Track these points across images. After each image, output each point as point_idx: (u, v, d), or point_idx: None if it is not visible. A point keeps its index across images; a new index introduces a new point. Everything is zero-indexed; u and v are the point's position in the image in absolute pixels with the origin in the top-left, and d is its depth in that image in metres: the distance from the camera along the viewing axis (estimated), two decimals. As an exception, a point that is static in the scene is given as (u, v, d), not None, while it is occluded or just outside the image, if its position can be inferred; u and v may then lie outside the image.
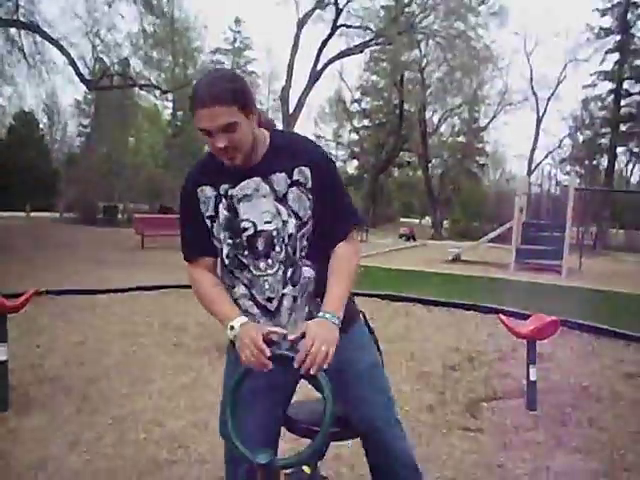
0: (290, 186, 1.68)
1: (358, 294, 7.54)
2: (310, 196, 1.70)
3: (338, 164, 35.94)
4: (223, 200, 1.71)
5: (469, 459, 2.98)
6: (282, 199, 1.68)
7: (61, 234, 17.53)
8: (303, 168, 1.69)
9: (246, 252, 1.70)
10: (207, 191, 1.73)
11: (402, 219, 40.60)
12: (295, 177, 1.69)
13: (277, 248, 1.68)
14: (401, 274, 10.97)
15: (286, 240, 1.68)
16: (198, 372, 4.30)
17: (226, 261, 1.74)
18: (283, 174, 1.68)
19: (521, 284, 10.09)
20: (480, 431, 3.35)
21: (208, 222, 1.74)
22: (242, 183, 1.69)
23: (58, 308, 6.21)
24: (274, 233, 1.68)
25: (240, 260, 1.71)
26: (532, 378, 3.66)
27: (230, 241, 1.71)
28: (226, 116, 1.54)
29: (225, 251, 1.73)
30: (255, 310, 1.74)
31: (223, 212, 1.71)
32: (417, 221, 46.43)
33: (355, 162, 43.38)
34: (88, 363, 4.35)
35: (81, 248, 13.40)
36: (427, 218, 44.41)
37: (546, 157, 38.29)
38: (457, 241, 24.26)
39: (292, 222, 1.68)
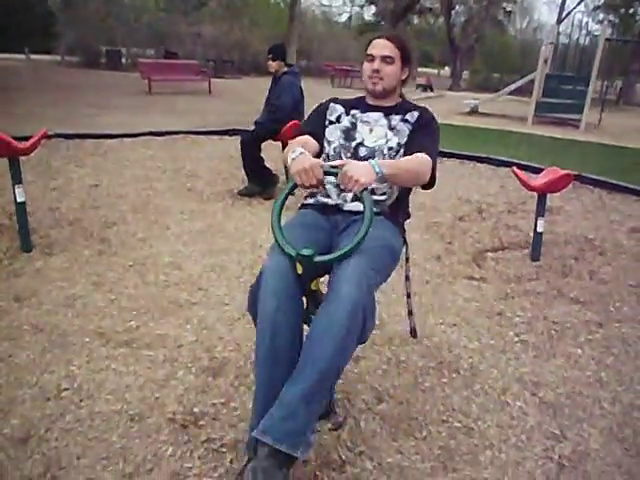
0: (400, 121, 2.23)
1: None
2: (410, 130, 2.21)
3: (355, 9, 33.95)
4: (349, 116, 2.28)
5: (471, 307, 3.14)
6: (392, 129, 2.22)
7: (64, 77, 17.00)
8: (414, 112, 2.25)
9: (349, 154, 2.20)
10: (338, 107, 2.32)
11: (420, 69, 38.85)
12: (406, 117, 2.23)
13: (375, 157, 2.13)
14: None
15: (384, 152, 2.17)
16: (212, 217, 4.40)
17: (331, 154, 2.23)
18: (400, 116, 2.24)
19: (538, 138, 9.90)
20: (484, 280, 3.49)
21: (327, 124, 2.28)
22: (369, 113, 2.26)
23: (70, 152, 6.21)
24: (376, 148, 2.18)
25: (341, 157, 2.19)
26: (539, 230, 3.73)
27: (342, 142, 2.23)
28: (389, 51, 2.17)
29: (332, 146, 2.24)
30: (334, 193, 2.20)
31: (345, 121, 2.27)
32: (436, 72, 44.48)
33: (373, 8, 40.60)
34: (104, 207, 4.45)
35: (86, 91, 13.06)
36: (446, 68, 42.47)
37: (579, 4, 35.62)
38: (476, 93, 23.42)
39: (393, 141, 2.19)
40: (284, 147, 5.13)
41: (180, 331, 2.72)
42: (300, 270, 1.80)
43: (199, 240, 3.92)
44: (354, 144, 2.21)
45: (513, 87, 14.62)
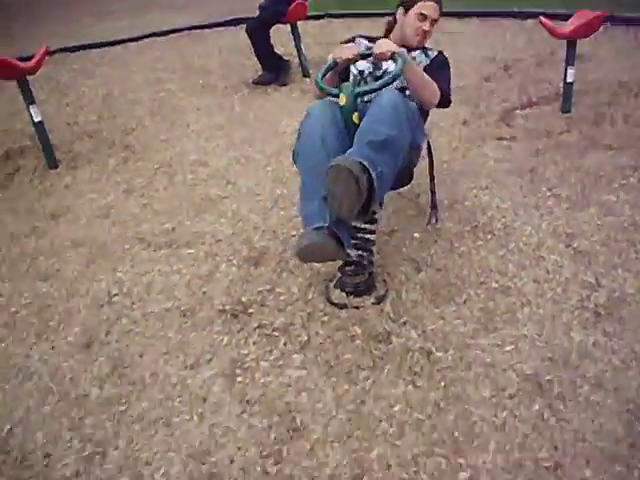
0: (421, 53, 2.48)
1: (385, 14, 6.99)
2: (427, 63, 2.46)
3: None
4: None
5: (502, 167, 3.08)
6: (413, 59, 2.38)
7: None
8: (434, 52, 2.51)
9: (377, 73, 2.43)
10: (364, 43, 2.50)
11: None
12: (427, 52, 2.50)
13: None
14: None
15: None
16: (230, 110, 4.33)
17: (358, 77, 2.45)
18: (420, 51, 2.49)
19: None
20: (513, 139, 3.40)
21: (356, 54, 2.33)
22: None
23: (76, 65, 6.06)
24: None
25: (366, 82, 2.44)
26: (569, 80, 3.55)
27: (370, 70, 2.45)
28: (438, 15, 2.45)
29: (359, 70, 2.46)
30: None
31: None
32: None
33: None
34: (121, 115, 4.40)
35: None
36: None
37: None
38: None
39: None
40: (293, 29, 4.90)
41: (216, 226, 2.77)
42: (344, 100, 2.06)
43: (220, 134, 3.88)
44: (380, 72, 2.42)
45: None
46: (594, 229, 2.48)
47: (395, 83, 2.22)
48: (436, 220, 2.59)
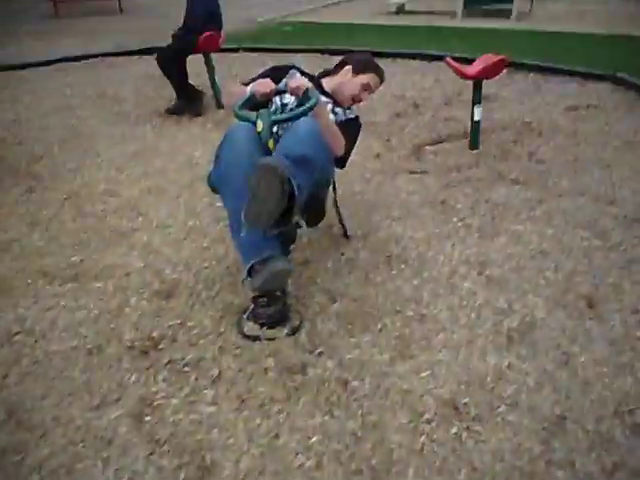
0: (341, 111, 2.57)
1: (297, 50, 7.18)
2: (341, 120, 2.54)
3: None
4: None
5: (414, 199, 3.18)
6: (334, 114, 2.53)
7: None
8: (351, 116, 2.61)
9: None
10: (298, 77, 2.51)
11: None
12: (346, 113, 2.59)
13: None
14: (340, 28, 10.34)
15: None
16: (143, 139, 4.24)
17: (278, 105, 2.47)
18: (341, 110, 2.57)
19: (469, 31, 9.73)
20: (425, 173, 3.52)
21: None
22: (322, 97, 2.40)
23: (-21, 87, 5.77)
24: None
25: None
26: (476, 118, 3.74)
27: (292, 106, 2.43)
28: (377, 88, 2.67)
29: (283, 102, 2.46)
30: None
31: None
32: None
33: None
34: (27, 141, 4.20)
35: (-11, 19, 11.98)
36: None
37: None
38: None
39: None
40: (207, 60, 4.90)
41: (126, 259, 2.66)
42: (260, 127, 2.14)
43: (133, 164, 3.78)
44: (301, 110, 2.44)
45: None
46: (505, 257, 2.59)
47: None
48: (345, 233, 2.70)
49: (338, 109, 2.55)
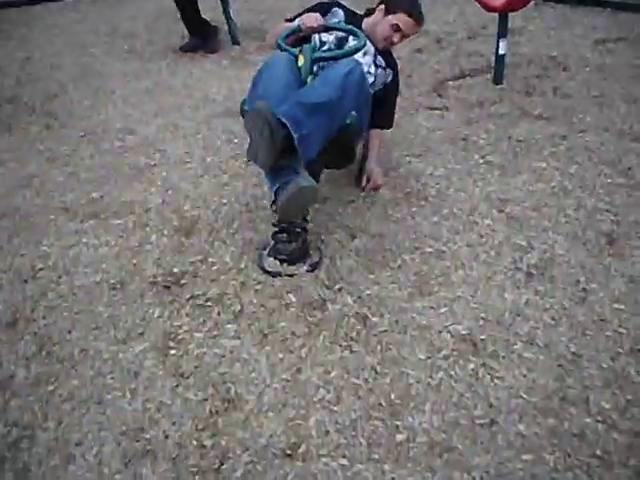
0: (381, 69, 2.55)
1: None
2: (381, 88, 2.58)
3: None
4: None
5: (435, 136, 3.11)
6: (377, 66, 2.53)
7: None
8: (390, 74, 2.61)
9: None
10: (340, 14, 2.52)
11: None
12: (387, 72, 2.58)
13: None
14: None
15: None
16: (157, 76, 4.16)
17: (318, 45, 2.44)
18: (384, 64, 2.56)
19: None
20: (446, 109, 3.43)
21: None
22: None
23: (-8, 25, 5.67)
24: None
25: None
26: (501, 52, 3.61)
27: (332, 46, 2.43)
28: (413, 33, 2.53)
29: (322, 41, 2.45)
30: None
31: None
32: None
33: None
34: (42, 79, 4.14)
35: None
36: None
37: None
38: None
39: (371, 76, 2.49)
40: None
41: (145, 195, 2.66)
42: (301, 61, 2.14)
43: (147, 100, 3.72)
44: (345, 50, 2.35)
45: None
46: (525, 195, 2.54)
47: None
48: (368, 181, 2.61)
49: (379, 69, 2.51)
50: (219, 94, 3.73)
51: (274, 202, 2.00)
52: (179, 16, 4.65)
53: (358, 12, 2.62)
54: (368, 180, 2.57)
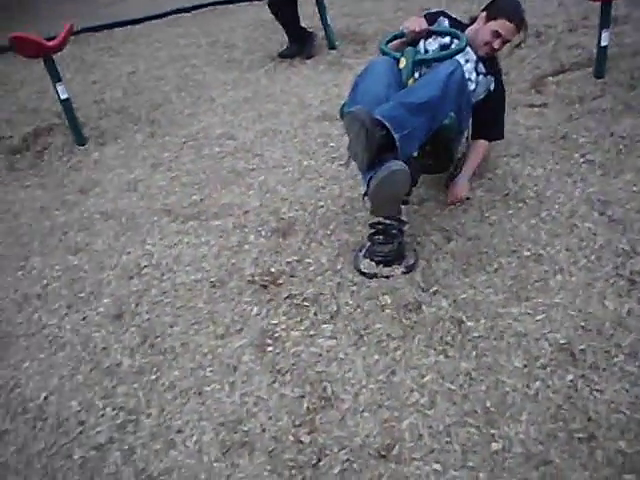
0: (483, 77, 2.51)
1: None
2: (484, 96, 2.54)
3: None
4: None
5: (534, 134, 3.00)
6: (478, 74, 2.49)
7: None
8: (492, 82, 2.57)
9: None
10: (446, 24, 2.52)
11: None
12: (488, 80, 2.53)
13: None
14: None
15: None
16: (256, 84, 4.28)
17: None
18: (485, 72, 2.51)
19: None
20: (545, 106, 3.30)
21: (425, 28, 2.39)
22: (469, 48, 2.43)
23: (101, 43, 6.06)
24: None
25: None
26: (603, 43, 3.42)
27: (439, 47, 2.44)
28: (512, 36, 2.47)
29: (426, 47, 2.45)
30: None
31: (447, 38, 2.44)
32: None
33: None
34: (146, 91, 4.39)
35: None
36: None
37: None
38: None
39: (472, 83, 2.45)
40: (318, 0, 4.80)
41: (244, 198, 2.76)
42: (403, 64, 2.17)
43: (247, 107, 3.84)
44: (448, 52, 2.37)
45: None
46: (629, 196, 2.40)
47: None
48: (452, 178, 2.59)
49: (480, 76, 2.47)
50: (316, 99, 3.79)
51: (366, 193, 1.99)
52: (277, 24, 4.77)
53: (463, 21, 2.60)
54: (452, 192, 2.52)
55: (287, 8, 4.63)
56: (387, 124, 1.86)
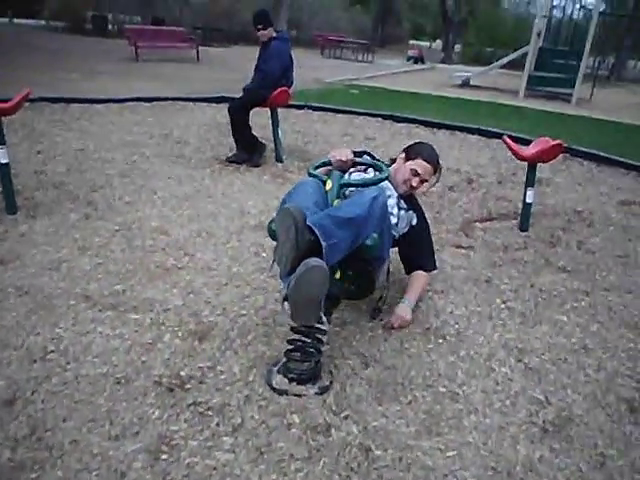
0: (405, 212, 2.69)
1: (360, 113, 7.41)
2: (407, 230, 2.73)
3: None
4: None
5: (459, 274, 3.15)
6: (400, 209, 2.66)
7: (49, 42, 16.59)
8: (414, 218, 2.75)
9: None
10: (368, 159, 2.74)
11: (412, 41, 38.03)
12: (410, 216, 2.72)
13: None
14: (406, 96, 10.65)
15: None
16: (200, 183, 4.36)
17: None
18: (406, 207, 2.71)
19: (529, 111, 9.86)
20: (471, 248, 3.50)
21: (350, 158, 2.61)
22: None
23: (55, 115, 6.10)
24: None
25: None
26: (528, 200, 3.73)
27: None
28: (429, 176, 2.70)
29: (353, 177, 2.64)
30: None
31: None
32: (427, 44, 43.85)
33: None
34: (90, 171, 4.38)
35: (72, 56, 12.81)
36: (438, 42, 41.87)
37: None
38: (468, 66, 23.21)
39: (394, 218, 2.62)
40: (273, 114, 5.06)
41: (167, 295, 2.70)
42: (329, 186, 2.34)
43: (186, 205, 3.88)
44: (371, 179, 2.56)
45: (506, 60, 14.52)
46: (545, 347, 2.51)
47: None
48: (379, 312, 2.64)
49: (402, 211, 2.65)
50: (255, 207, 3.88)
51: (285, 298, 1.99)
52: (230, 129, 4.96)
53: (385, 162, 2.81)
54: (398, 316, 2.58)
55: (242, 116, 4.85)
56: (317, 231, 1.94)
